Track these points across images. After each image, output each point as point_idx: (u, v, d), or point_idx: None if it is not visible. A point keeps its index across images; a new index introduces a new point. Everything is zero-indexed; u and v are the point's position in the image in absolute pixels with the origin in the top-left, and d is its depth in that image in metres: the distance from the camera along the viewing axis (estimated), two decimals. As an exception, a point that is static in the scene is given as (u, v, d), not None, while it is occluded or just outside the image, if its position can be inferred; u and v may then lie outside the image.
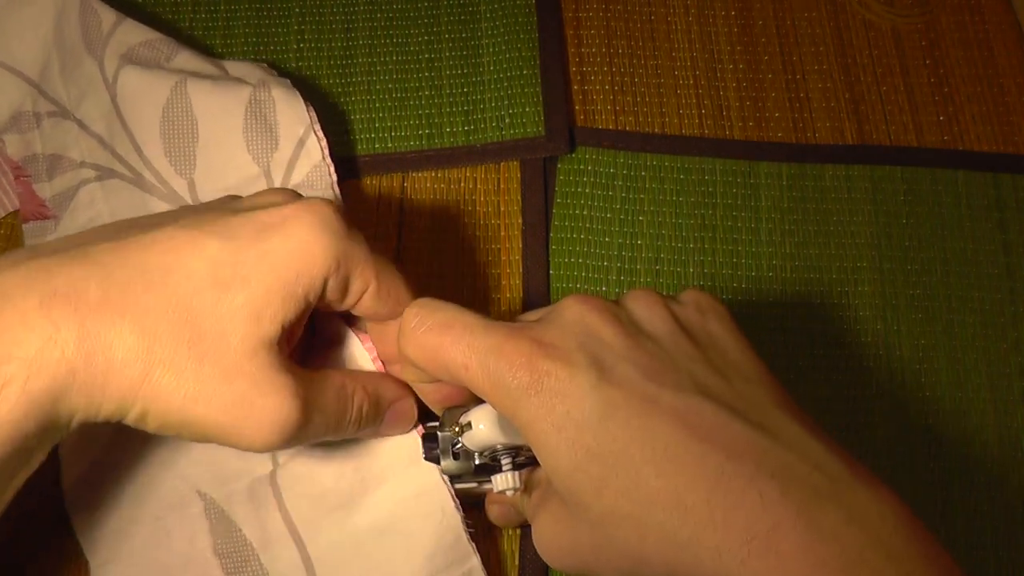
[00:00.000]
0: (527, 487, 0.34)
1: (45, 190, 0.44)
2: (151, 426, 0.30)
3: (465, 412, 0.33)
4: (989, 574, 0.41)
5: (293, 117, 0.42)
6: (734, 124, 0.49)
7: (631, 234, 0.46)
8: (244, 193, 0.35)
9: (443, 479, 0.35)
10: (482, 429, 0.32)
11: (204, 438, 0.30)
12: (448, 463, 0.34)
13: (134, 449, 0.38)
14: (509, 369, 0.28)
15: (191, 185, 0.42)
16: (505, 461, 0.32)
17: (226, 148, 0.42)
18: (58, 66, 0.45)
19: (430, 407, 0.35)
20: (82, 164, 0.43)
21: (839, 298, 0.45)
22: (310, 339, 0.37)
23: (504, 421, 0.32)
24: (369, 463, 0.36)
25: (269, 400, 0.30)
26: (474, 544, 0.36)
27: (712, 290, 0.45)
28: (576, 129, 0.48)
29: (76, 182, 0.43)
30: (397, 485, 0.36)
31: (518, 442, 0.32)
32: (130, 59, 0.43)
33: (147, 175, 0.42)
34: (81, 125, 0.44)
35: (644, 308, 0.31)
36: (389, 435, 0.36)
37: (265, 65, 0.46)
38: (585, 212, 0.46)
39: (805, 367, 0.43)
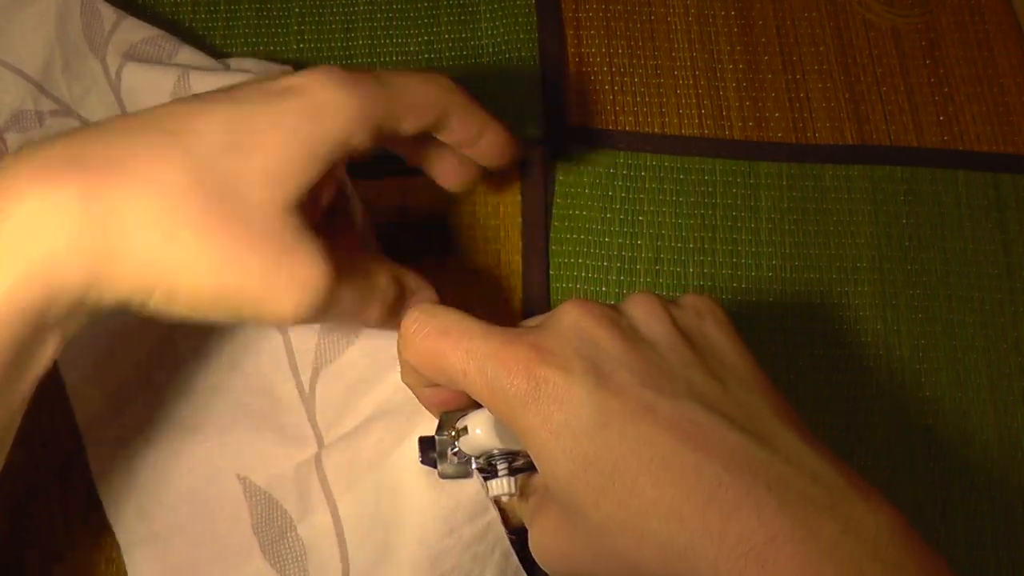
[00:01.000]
0: (524, 492, 0.34)
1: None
2: (180, 306, 0.28)
3: (463, 416, 0.33)
4: (989, 574, 0.41)
5: None
6: (734, 124, 0.48)
7: (631, 234, 0.46)
8: None
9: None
10: (479, 434, 0.32)
11: (236, 314, 0.28)
12: (445, 467, 0.34)
13: (163, 442, 0.38)
14: (507, 375, 0.28)
15: None
16: (501, 466, 0.32)
17: None
18: (60, 64, 0.45)
19: (428, 410, 0.35)
20: None
21: (839, 298, 0.45)
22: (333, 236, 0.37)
23: (501, 426, 0.32)
24: (400, 422, 0.36)
25: (302, 262, 0.28)
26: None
27: (712, 290, 0.45)
28: (576, 129, 0.47)
29: None
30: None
31: (515, 447, 0.32)
32: (132, 56, 0.43)
33: None
34: (84, 122, 0.44)
35: (643, 313, 0.31)
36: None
37: (267, 62, 0.46)
38: (584, 212, 0.46)
39: (805, 367, 0.43)
